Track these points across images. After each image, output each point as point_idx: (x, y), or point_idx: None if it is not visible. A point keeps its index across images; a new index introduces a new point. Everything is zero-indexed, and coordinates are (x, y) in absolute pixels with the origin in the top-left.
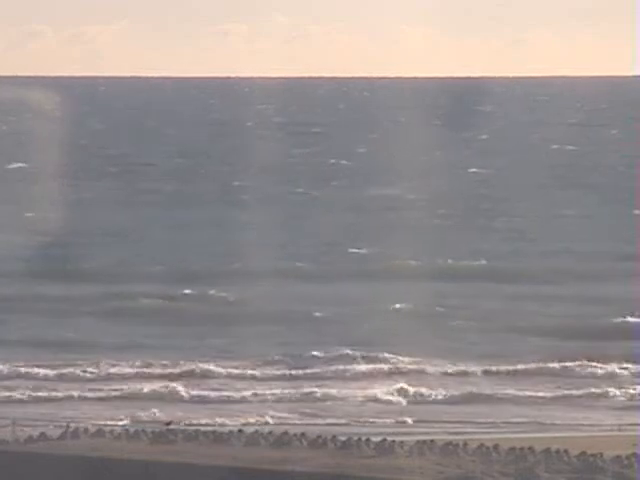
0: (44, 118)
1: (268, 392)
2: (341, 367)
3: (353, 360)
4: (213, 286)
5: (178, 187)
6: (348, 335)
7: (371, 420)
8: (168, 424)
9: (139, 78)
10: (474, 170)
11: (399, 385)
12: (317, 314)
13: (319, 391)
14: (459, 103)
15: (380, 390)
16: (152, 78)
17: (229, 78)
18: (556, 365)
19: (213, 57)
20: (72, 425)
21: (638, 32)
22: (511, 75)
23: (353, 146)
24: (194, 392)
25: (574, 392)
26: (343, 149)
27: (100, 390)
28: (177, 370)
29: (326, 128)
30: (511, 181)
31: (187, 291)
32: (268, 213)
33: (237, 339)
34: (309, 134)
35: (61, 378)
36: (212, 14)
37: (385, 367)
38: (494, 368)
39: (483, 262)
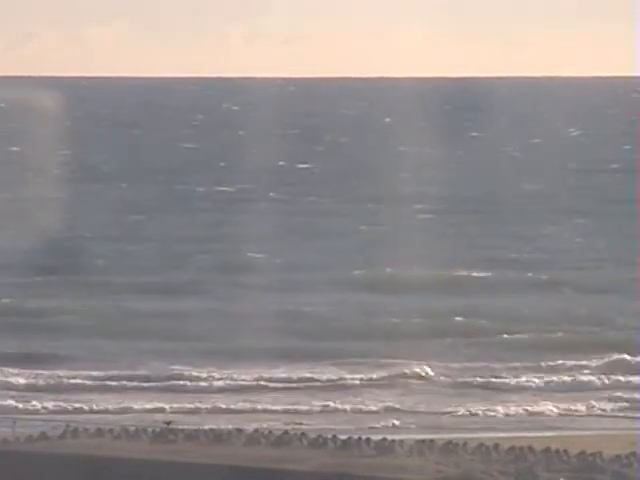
0: (41, 118)
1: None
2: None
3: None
4: None
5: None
6: None
7: None
8: (168, 423)
9: (138, 79)
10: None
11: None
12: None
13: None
14: (437, 104)
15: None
16: (151, 78)
17: (229, 78)
18: None
19: (212, 57)
20: (72, 425)
21: (638, 32)
22: (512, 75)
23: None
24: None
25: None
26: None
27: None
28: None
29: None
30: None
31: None
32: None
33: None
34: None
35: None
36: (211, 14)
37: None
38: None
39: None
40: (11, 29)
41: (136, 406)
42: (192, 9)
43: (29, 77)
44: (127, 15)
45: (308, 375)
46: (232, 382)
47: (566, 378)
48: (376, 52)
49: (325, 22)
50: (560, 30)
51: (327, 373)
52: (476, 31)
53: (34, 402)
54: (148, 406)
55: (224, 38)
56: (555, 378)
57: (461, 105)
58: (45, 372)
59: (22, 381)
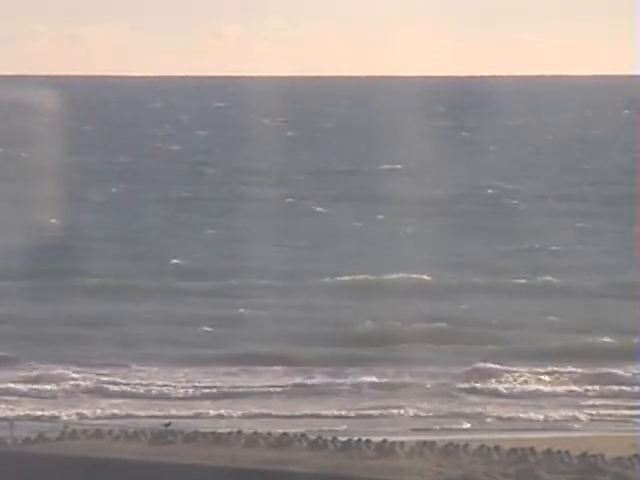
0: (39, 118)
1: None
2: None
3: None
4: None
5: None
6: None
7: None
8: (167, 425)
9: (135, 78)
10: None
11: None
12: None
13: None
14: (432, 103)
15: None
16: (148, 78)
17: (224, 77)
18: None
19: (208, 57)
20: (70, 426)
21: (638, 32)
22: (511, 74)
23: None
24: None
25: None
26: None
27: None
28: None
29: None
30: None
31: None
32: None
33: None
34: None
35: None
36: (206, 15)
37: None
38: None
39: None
40: (8, 29)
41: (121, 412)
42: (187, 10)
43: (26, 76)
44: (125, 16)
45: (298, 380)
46: (227, 387)
47: (562, 384)
48: (371, 51)
49: (323, 21)
50: (559, 30)
51: (315, 378)
52: (474, 30)
53: None
54: (141, 413)
55: (218, 38)
56: (554, 384)
57: (457, 105)
58: None
59: None
